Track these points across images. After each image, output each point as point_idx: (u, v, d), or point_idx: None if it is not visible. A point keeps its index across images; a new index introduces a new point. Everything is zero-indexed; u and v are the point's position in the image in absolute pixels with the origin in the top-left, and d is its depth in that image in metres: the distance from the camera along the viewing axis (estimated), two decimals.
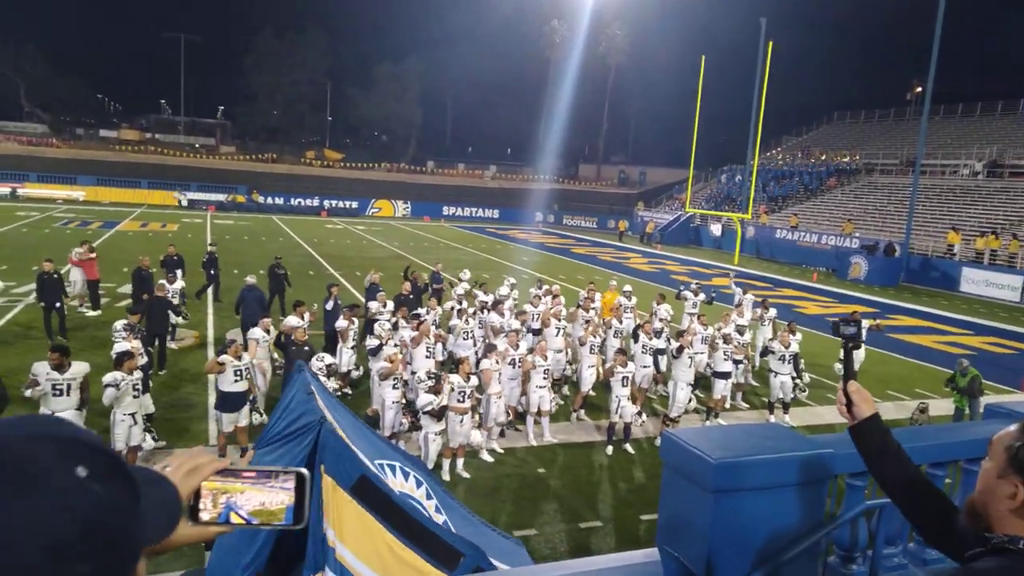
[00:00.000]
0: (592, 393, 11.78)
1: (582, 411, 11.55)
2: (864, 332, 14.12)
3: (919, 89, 52.36)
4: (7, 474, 0.71)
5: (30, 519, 0.69)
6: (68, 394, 7.84)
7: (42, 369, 7.76)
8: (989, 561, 1.52)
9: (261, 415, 9.52)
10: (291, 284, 16.85)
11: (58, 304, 13.48)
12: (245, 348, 9.52)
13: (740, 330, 12.63)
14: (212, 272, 17.71)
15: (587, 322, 12.66)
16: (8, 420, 0.79)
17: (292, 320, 10.89)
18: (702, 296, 16.28)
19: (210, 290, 17.62)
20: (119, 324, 9.84)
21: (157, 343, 12.29)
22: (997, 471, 1.60)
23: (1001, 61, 66.39)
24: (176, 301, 13.43)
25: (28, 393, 7.74)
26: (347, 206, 52.35)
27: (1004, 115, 46.89)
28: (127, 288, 18.26)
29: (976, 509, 1.65)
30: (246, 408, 9.00)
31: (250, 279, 14.23)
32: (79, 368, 7.97)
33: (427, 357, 10.64)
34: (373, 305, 12.89)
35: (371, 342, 10.43)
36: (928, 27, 31.37)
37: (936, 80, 32.16)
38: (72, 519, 0.71)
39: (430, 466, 8.17)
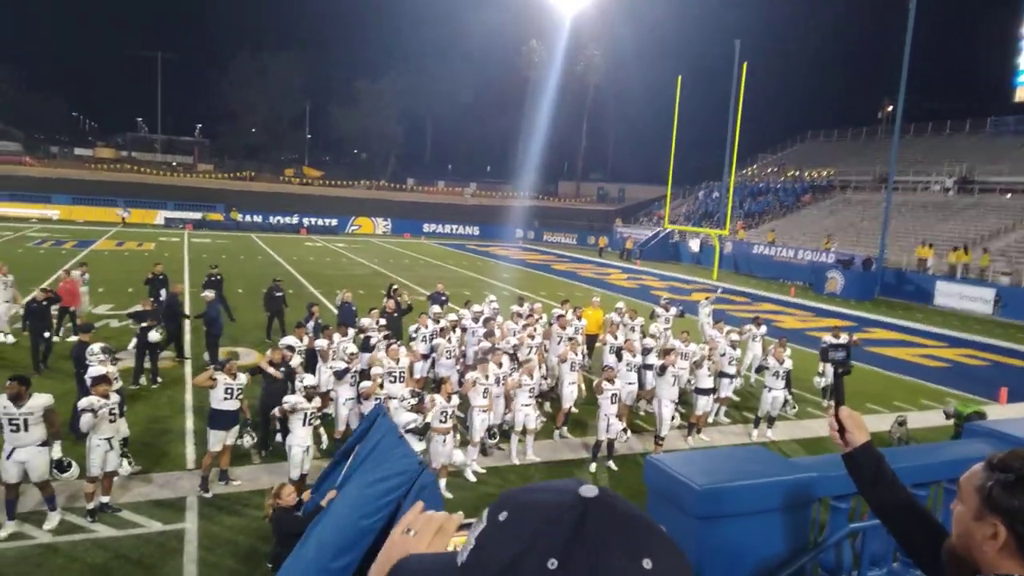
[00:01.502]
0: (575, 410, 11.76)
1: (564, 428, 11.52)
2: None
3: (890, 108, 53.45)
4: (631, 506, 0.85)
5: (656, 534, 0.83)
6: (27, 429, 7.27)
7: None
8: None
9: (253, 438, 9.31)
10: (288, 306, 16.59)
11: (47, 334, 12.89)
12: (216, 363, 9.41)
13: (733, 345, 12.71)
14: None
15: (571, 339, 12.66)
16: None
17: (291, 340, 10.93)
18: (673, 311, 16.40)
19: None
20: (96, 347, 9.65)
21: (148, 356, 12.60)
22: (972, 514, 1.57)
23: (970, 80, 68.04)
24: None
25: None
26: (327, 224, 52.10)
27: (972, 133, 48.01)
28: (102, 308, 18.00)
29: (957, 553, 1.61)
30: (235, 428, 8.85)
31: (209, 294, 14.27)
32: (39, 400, 7.45)
33: (395, 383, 10.40)
34: (365, 321, 12.84)
35: (336, 365, 10.27)
36: (898, 47, 32.09)
37: (907, 99, 32.86)
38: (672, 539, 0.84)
39: None
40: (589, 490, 0.83)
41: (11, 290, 14.92)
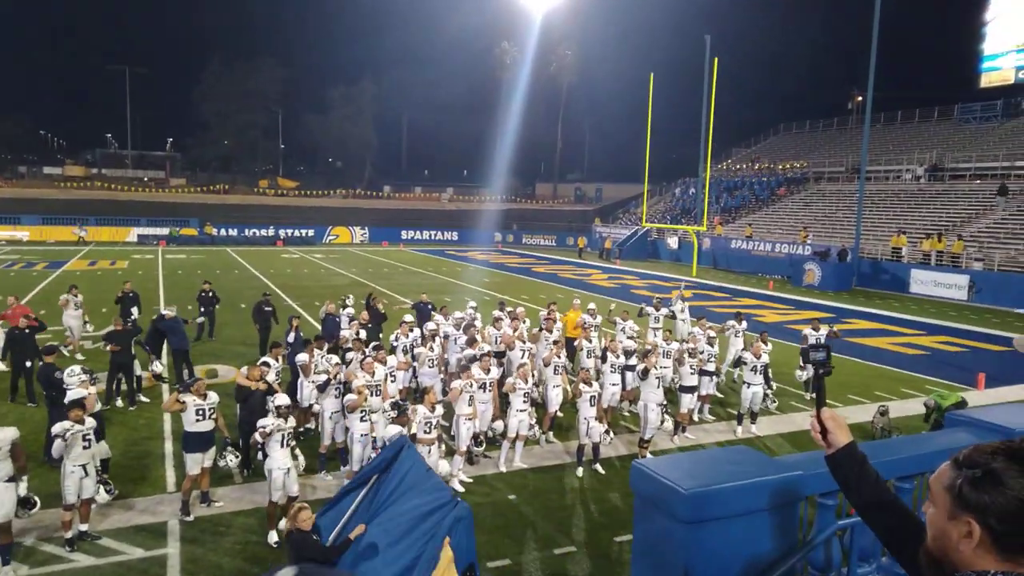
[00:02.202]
0: (560, 414, 11.72)
1: (551, 433, 11.47)
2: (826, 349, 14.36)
3: (860, 98, 54.18)
4: None
5: None
6: None
7: None
8: None
9: (237, 456, 9.09)
10: (279, 322, 16.31)
11: (28, 364, 12.30)
12: (181, 384, 9.24)
13: (711, 342, 12.72)
14: (204, 309, 17.60)
15: (555, 342, 12.62)
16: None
17: (267, 359, 10.72)
18: (664, 311, 16.43)
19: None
20: (76, 368, 9.42)
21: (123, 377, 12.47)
22: (945, 514, 1.55)
23: (936, 68, 69.27)
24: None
25: None
26: (303, 235, 51.73)
27: (941, 120, 48.80)
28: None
29: (934, 556, 1.60)
30: (212, 449, 8.67)
31: (170, 311, 14.06)
32: (5, 434, 7.13)
33: (373, 396, 10.27)
34: (346, 334, 12.72)
35: (318, 378, 10.13)
36: (866, 38, 32.53)
37: (875, 88, 33.29)
38: None
39: None
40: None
41: (81, 310, 15.76)
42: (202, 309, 17.60)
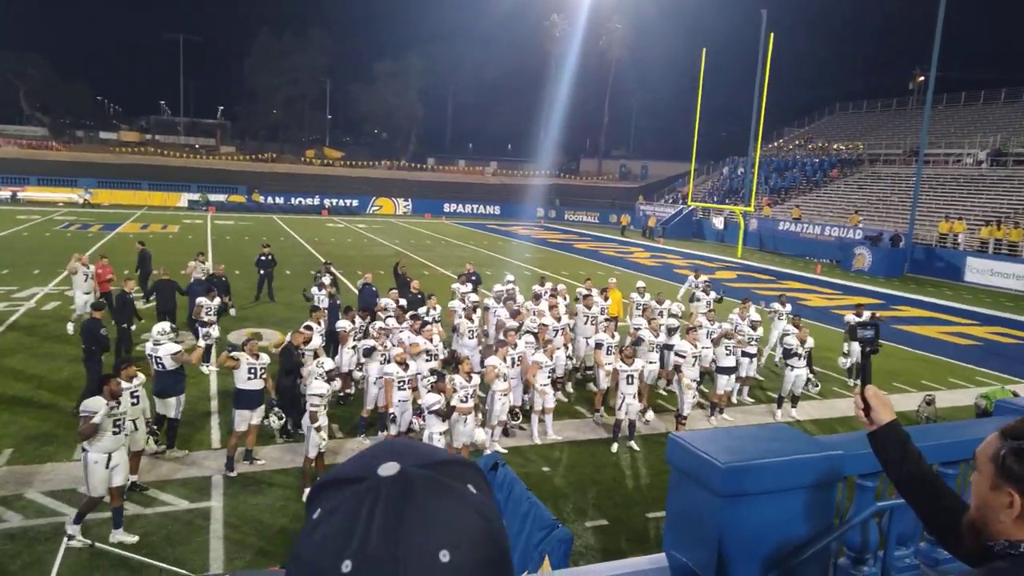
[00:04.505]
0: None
1: (603, 409, 11.39)
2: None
3: (921, 78, 52.14)
4: (436, 487, 0.73)
5: (458, 521, 0.72)
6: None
7: None
8: (995, 565, 1.52)
9: (281, 419, 9.26)
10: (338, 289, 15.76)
11: (125, 324, 12.30)
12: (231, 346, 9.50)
13: (753, 325, 12.52)
14: (262, 272, 18.18)
15: (606, 320, 12.58)
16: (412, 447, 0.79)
17: (312, 324, 10.98)
18: (714, 295, 16.09)
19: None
20: (165, 326, 9.48)
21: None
22: (988, 483, 1.57)
23: (1004, 49, 66.15)
24: (211, 318, 12.43)
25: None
26: (348, 204, 52.30)
27: (1008, 103, 46.64)
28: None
29: (976, 527, 1.61)
30: (261, 408, 8.91)
31: (198, 273, 14.56)
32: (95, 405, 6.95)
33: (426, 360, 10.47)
34: (383, 301, 12.91)
35: (365, 343, 10.34)
36: (931, 15, 31.18)
37: (939, 69, 31.96)
38: (486, 523, 0.74)
39: None
40: (388, 468, 0.74)
41: (91, 282, 14.21)
42: (261, 272, 18.15)
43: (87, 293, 14.03)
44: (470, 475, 0.78)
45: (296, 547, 0.73)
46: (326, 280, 14.35)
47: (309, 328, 10.63)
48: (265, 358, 9.05)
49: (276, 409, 9.25)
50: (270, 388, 9.15)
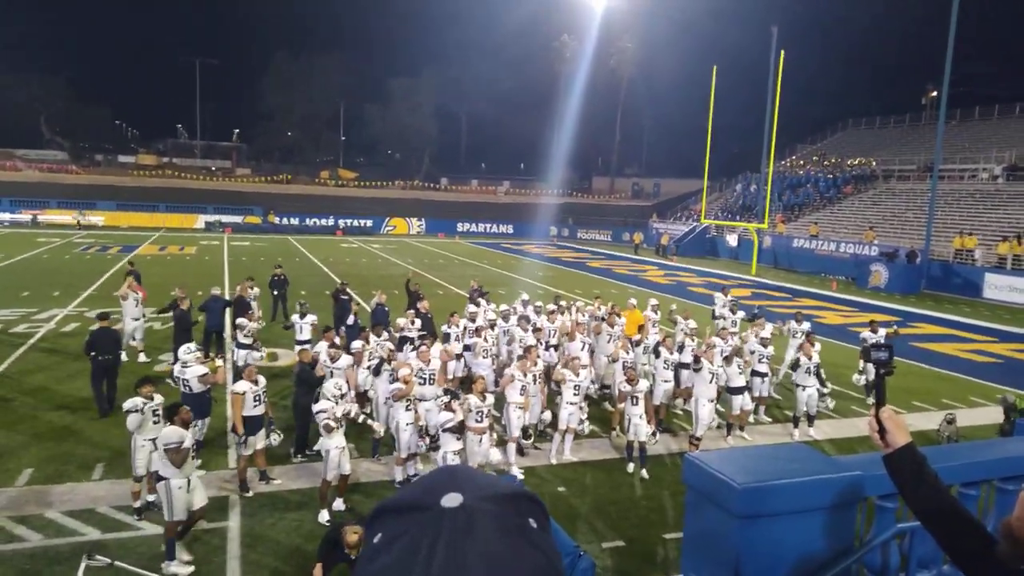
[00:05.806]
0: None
1: (619, 429, 11.29)
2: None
3: (934, 93, 51.95)
4: (498, 523, 0.73)
5: (519, 559, 0.71)
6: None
7: None
8: None
9: (279, 436, 9.33)
10: (356, 304, 16.19)
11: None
12: (207, 355, 9.67)
13: (765, 343, 12.43)
14: (276, 293, 18.21)
15: (622, 339, 12.57)
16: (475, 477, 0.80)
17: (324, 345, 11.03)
18: (741, 314, 15.92)
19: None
20: (192, 345, 9.97)
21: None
22: None
23: (1017, 62, 65.75)
24: (249, 341, 12.74)
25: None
26: (362, 225, 52.68)
27: (1022, 117, 46.34)
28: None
29: (1015, 534, 1.59)
30: (262, 431, 8.97)
31: (215, 290, 14.74)
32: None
33: (425, 384, 10.30)
34: (401, 321, 12.94)
35: (372, 362, 10.36)
36: (942, 31, 31.14)
37: (951, 83, 31.85)
38: (547, 560, 0.74)
39: None
40: (452, 499, 0.74)
41: (141, 307, 14.53)
42: (274, 292, 18.19)
43: (136, 319, 14.41)
44: (531, 510, 0.77)
45: (356, 574, 0.74)
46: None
47: (335, 346, 10.69)
48: (262, 380, 9.12)
49: (273, 428, 9.23)
50: (268, 411, 9.19)
